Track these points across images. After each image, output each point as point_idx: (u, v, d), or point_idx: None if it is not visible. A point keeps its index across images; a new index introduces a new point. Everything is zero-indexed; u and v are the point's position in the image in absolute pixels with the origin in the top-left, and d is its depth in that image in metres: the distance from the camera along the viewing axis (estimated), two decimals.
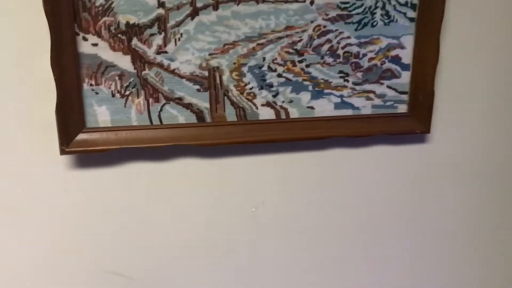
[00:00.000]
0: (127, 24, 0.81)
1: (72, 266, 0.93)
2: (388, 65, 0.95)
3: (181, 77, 0.86)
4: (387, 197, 1.04)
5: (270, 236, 1.01)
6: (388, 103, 0.97)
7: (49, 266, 0.92)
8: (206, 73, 0.87)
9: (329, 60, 0.92)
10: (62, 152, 0.82)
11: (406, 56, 0.95)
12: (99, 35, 0.81)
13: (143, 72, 0.84)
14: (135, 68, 0.84)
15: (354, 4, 0.89)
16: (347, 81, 0.93)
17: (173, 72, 0.86)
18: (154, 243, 0.96)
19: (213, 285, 1.02)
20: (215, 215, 0.97)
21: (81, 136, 0.83)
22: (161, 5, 0.82)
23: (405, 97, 0.97)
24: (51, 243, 0.91)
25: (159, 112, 0.87)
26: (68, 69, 0.80)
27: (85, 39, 0.81)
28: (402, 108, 0.98)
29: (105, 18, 0.80)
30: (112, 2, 0.80)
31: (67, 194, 0.89)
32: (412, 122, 0.98)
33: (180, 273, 0.99)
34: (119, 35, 0.82)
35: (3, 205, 0.87)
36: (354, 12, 0.90)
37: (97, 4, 0.79)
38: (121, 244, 0.94)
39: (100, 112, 0.84)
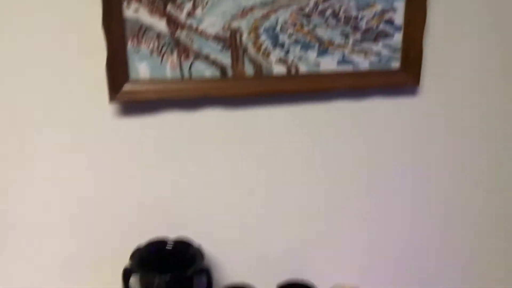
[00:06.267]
0: None
1: (120, 200, 1.11)
2: (382, 26, 1.10)
3: (207, 37, 1.03)
4: (382, 143, 1.21)
5: (283, 177, 1.18)
6: (383, 60, 1.13)
7: (100, 201, 1.10)
8: (228, 34, 1.03)
9: (332, 22, 1.07)
10: (111, 100, 1.00)
11: (398, 18, 1.10)
12: (140, 2, 0.97)
13: (176, 33, 1.01)
14: (169, 30, 1.00)
15: None
16: (348, 40, 1.09)
17: (200, 33, 1.02)
18: (186, 182, 1.13)
19: (235, 222, 1.19)
20: (236, 158, 1.14)
21: (126, 87, 1.00)
22: None
23: (397, 54, 1.13)
24: (100, 178, 1.09)
25: (189, 67, 1.04)
26: (115, 31, 0.96)
27: (128, 6, 0.97)
28: (395, 65, 1.14)
29: None
30: None
31: (113, 138, 1.06)
32: (404, 77, 1.14)
33: (205, 207, 1.17)
34: (156, 2, 0.98)
35: (62, 146, 1.04)
36: None
37: None
38: (158, 181, 1.12)
39: (141, 68, 1.01)
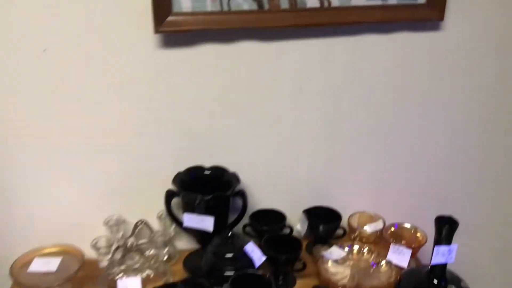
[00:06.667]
0: None
1: (160, 129, 1.19)
2: None
3: None
4: (407, 75, 1.27)
5: (312, 108, 1.26)
6: None
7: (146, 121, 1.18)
8: None
9: None
10: (156, 31, 1.06)
11: None
12: None
13: None
14: None
15: None
16: None
17: None
18: (219, 111, 1.21)
19: (265, 152, 1.28)
20: (270, 89, 1.21)
21: (170, 19, 1.06)
22: None
23: None
24: (142, 107, 1.16)
25: (228, 0, 1.09)
26: None
27: None
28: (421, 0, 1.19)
29: None
30: None
31: (155, 68, 1.13)
32: (429, 11, 1.20)
33: (237, 136, 1.25)
34: None
35: (107, 76, 1.11)
36: None
37: None
38: (194, 109, 1.19)
39: (183, 0, 1.06)
